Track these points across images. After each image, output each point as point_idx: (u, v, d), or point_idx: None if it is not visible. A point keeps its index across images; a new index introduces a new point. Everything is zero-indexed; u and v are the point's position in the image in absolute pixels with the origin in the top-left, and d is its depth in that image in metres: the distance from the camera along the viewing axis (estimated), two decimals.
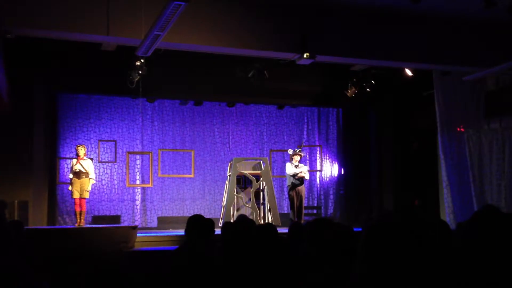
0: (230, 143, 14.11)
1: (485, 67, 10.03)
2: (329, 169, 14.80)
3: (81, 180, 10.50)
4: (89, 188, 10.65)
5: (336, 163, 14.80)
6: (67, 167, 12.11)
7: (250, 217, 9.52)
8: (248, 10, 9.00)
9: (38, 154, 11.48)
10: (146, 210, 13.42)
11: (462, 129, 11.42)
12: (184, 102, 13.51)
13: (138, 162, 13.43)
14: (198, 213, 4.69)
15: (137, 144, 13.44)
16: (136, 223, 12.40)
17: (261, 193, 11.62)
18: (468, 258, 1.66)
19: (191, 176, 13.51)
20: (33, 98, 11.28)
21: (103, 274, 8.28)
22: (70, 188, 10.62)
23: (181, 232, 4.76)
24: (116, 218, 12.73)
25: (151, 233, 11.24)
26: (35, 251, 8.09)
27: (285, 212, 13.50)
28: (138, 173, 13.40)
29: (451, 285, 1.38)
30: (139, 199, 13.37)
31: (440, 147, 11.39)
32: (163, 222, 13.30)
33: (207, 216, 4.77)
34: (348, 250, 2.74)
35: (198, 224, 4.41)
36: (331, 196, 14.71)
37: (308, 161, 14.19)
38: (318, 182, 14.71)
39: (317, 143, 14.79)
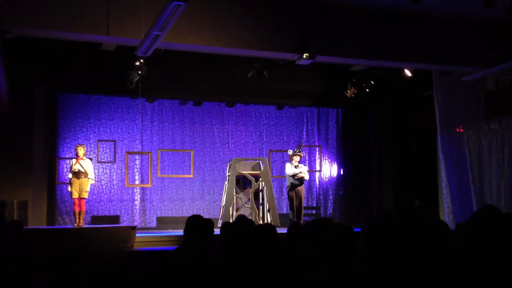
0: (230, 143, 14.11)
1: (485, 67, 10.03)
2: (329, 169, 14.80)
3: (80, 180, 10.48)
4: (88, 188, 10.63)
5: (336, 163, 14.80)
6: (67, 167, 12.10)
7: (249, 217, 9.54)
8: (248, 10, 9.00)
9: (38, 154, 11.48)
10: (145, 210, 13.42)
11: (461, 130, 11.42)
12: (183, 102, 13.51)
13: (137, 162, 13.43)
14: (197, 213, 4.69)
15: (136, 144, 13.44)
16: (135, 223, 12.39)
17: (260, 193, 11.62)
18: (467, 259, 1.66)
19: (191, 176, 13.50)
20: (33, 98, 11.28)
21: (102, 274, 8.28)
22: (69, 188, 10.61)
23: (180, 232, 4.76)
24: (115, 218, 12.73)
25: (150, 233, 11.24)
26: (35, 251, 8.08)
27: (284, 212, 13.50)
28: (137, 173, 13.39)
29: (451, 286, 1.38)
30: (138, 199, 13.37)
31: (439, 147, 11.39)
32: (162, 222, 13.30)
33: (206, 216, 4.77)
34: (348, 250, 2.74)
35: (197, 224, 4.41)
36: (331, 197, 14.71)
37: (307, 161, 14.19)
38: (317, 182, 14.71)
39: (316, 143, 14.79)
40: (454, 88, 11.36)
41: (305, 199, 13.18)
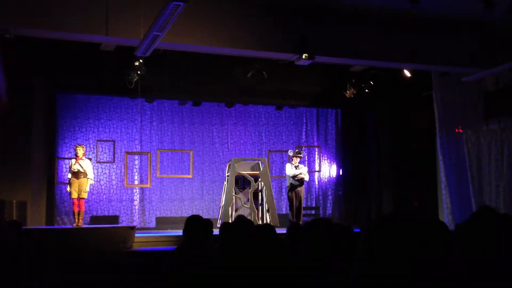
0: (229, 143, 14.12)
1: (484, 68, 10.04)
2: (328, 169, 14.81)
3: (79, 180, 10.47)
4: (88, 188, 10.62)
5: (335, 163, 14.81)
6: (66, 167, 12.09)
7: (249, 217, 9.54)
8: (248, 10, 9.00)
9: (37, 154, 11.48)
10: (145, 211, 13.41)
11: (460, 130, 11.43)
12: (183, 102, 13.51)
13: (136, 162, 13.43)
14: (196, 214, 4.69)
15: (135, 144, 13.44)
16: (135, 224, 12.39)
17: (260, 193, 11.62)
18: (466, 259, 1.66)
19: (190, 176, 13.49)
20: (32, 98, 11.27)
21: (101, 274, 8.28)
22: (68, 188, 10.60)
23: (179, 232, 4.76)
24: (114, 219, 12.73)
25: (149, 233, 11.24)
26: (34, 251, 8.09)
27: (284, 212, 13.51)
28: (136, 173, 13.39)
29: (451, 286, 1.39)
30: (138, 200, 13.37)
31: (438, 148, 11.40)
32: (162, 222, 13.30)
33: (205, 216, 4.77)
34: (348, 250, 2.74)
35: (196, 225, 4.41)
36: (330, 197, 14.72)
37: (306, 162, 14.19)
38: (316, 182, 14.71)
39: (315, 144, 14.80)
40: (454, 89, 11.37)
41: (304, 200, 13.18)
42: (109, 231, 9.79)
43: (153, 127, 13.62)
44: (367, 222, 1.57)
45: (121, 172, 13.15)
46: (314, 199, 14.69)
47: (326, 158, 14.84)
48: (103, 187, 13.06)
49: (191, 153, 13.47)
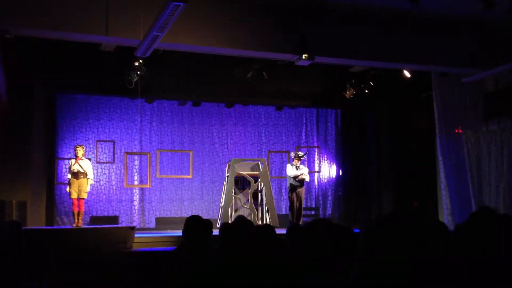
0: (229, 144, 14.11)
1: (484, 69, 10.04)
2: (328, 170, 14.80)
3: (79, 180, 10.47)
4: (87, 188, 10.62)
5: (335, 164, 14.80)
6: (66, 168, 12.09)
7: (248, 218, 9.53)
8: (247, 10, 9.00)
9: (37, 154, 11.47)
10: (144, 211, 13.41)
11: (460, 131, 11.43)
12: (182, 102, 13.50)
13: (136, 162, 13.42)
14: (196, 214, 4.69)
15: (135, 145, 13.43)
16: (134, 224, 12.39)
17: (259, 194, 11.62)
18: (466, 259, 1.66)
19: (189, 177, 13.50)
20: (32, 98, 11.26)
21: (101, 275, 8.27)
22: (68, 188, 10.59)
23: (179, 233, 4.75)
24: (114, 219, 12.72)
25: (149, 233, 11.24)
26: (34, 252, 8.09)
27: (283, 213, 13.50)
28: (136, 174, 13.38)
29: (450, 286, 1.39)
30: (137, 200, 13.36)
31: (438, 148, 11.40)
32: (161, 222, 13.29)
33: (205, 217, 4.77)
34: (348, 251, 2.74)
35: (196, 225, 4.41)
36: (330, 197, 14.71)
37: (306, 162, 14.19)
38: (316, 183, 14.71)
39: (315, 144, 14.79)
40: (453, 89, 11.37)
41: (304, 200, 13.18)
42: (108, 232, 9.78)
43: (153, 128, 13.62)
44: (367, 222, 1.58)
45: (120, 172, 13.15)
46: (314, 200, 14.68)
47: (326, 158, 14.84)
48: (102, 187, 13.06)
49: (190, 153, 13.47)
